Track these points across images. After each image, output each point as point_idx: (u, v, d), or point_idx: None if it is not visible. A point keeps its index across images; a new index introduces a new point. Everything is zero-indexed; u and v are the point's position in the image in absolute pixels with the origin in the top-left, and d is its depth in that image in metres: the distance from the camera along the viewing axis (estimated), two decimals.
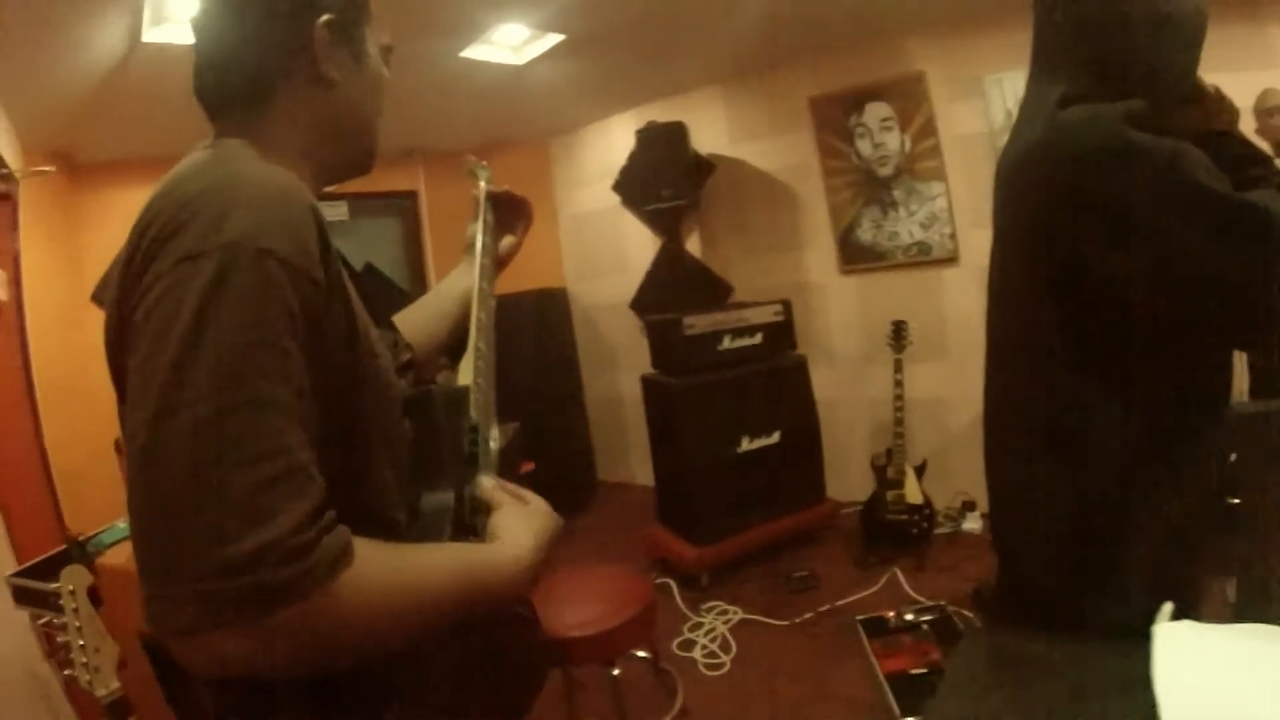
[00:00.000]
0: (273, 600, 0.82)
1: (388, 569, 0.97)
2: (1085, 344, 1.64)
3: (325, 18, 1.19)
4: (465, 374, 1.44)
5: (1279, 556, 1.43)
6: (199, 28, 1.20)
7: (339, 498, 0.93)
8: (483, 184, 1.87)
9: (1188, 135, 1.56)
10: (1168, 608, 1.25)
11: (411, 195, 7.56)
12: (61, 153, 5.35)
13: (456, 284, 1.85)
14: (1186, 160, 1.45)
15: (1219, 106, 1.83)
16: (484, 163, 2.00)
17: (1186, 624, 1.21)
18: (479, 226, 1.77)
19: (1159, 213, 1.46)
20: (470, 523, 1.25)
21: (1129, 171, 1.48)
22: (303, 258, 0.95)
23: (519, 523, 1.24)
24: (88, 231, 5.61)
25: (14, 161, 4.51)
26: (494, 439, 1.44)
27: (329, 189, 1.34)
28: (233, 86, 1.19)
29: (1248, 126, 2.15)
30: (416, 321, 1.78)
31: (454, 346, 1.72)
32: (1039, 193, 1.65)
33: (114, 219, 5.33)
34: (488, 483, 1.32)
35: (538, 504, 1.33)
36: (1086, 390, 1.65)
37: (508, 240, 1.92)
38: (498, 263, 1.85)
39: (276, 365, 0.89)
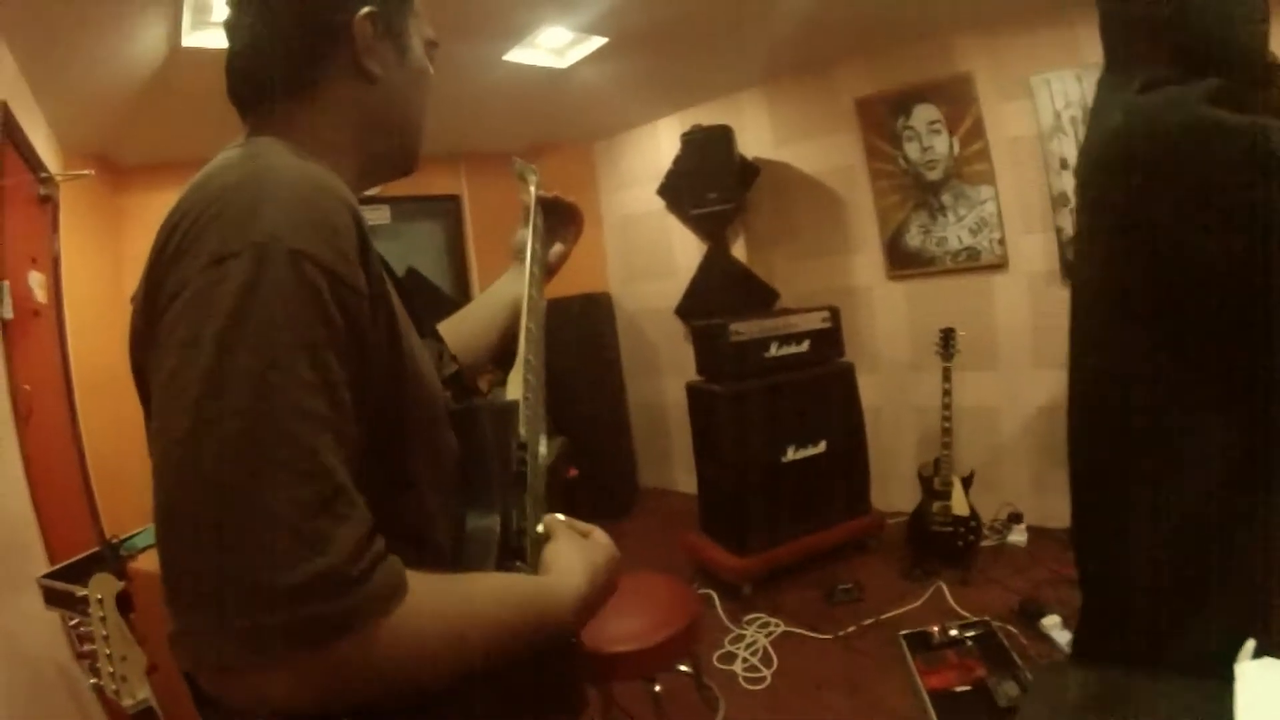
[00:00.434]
0: (325, 635, 0.77)
1: (442, 603, 0.92)
2: (1184, 351, 1.60)
3: (367, 9, 1.14)
4: (514, 387, 1.38)
5: None
6: (232, 24, 1.15)
7: (381, 519, 0.87)
8: (533, 189, 1.80)
9: (1268, 110, 1.55)
10: (1250, 645, 1.19)
11: (454, 199, 7.57)
12: (101, 155, 5.40)
13: (505, 291, 1.79)
14: (1262, 133, 1.43)
15: None
16: (532, 165, 1.95)
17: (1269, 661, 1.15)
18: (529, 233, 1.70)
19: (1251, 189, 1.43)
20: (517, 545, 1.18)
21: (1216, 150, 1.46)
22: (341, 263, 0.90)
23: (574, 555, 1.19)
24: (127, 233, 5.67)
25: (54, 164, 4.55)
26: (542, 454, 1.37)
27: (370, 191, 1.30)
28: (268, 81, 1.14)
29: None
30: (463, 330, 1.72)
31: (502, 356, 1.68)
32: (1125, 181, 1.61)
33: (153, 221, 5.33)
34: (552, 520, 1.27)
35: (597, 535, 1.28)
36: (1186, 405, 1.61)
37: (557, 248, 1.87)
38: (547, 271, 1.80)
39: (316, 376, 0.84)
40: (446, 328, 1.70)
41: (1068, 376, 1.97)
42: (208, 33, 3.79)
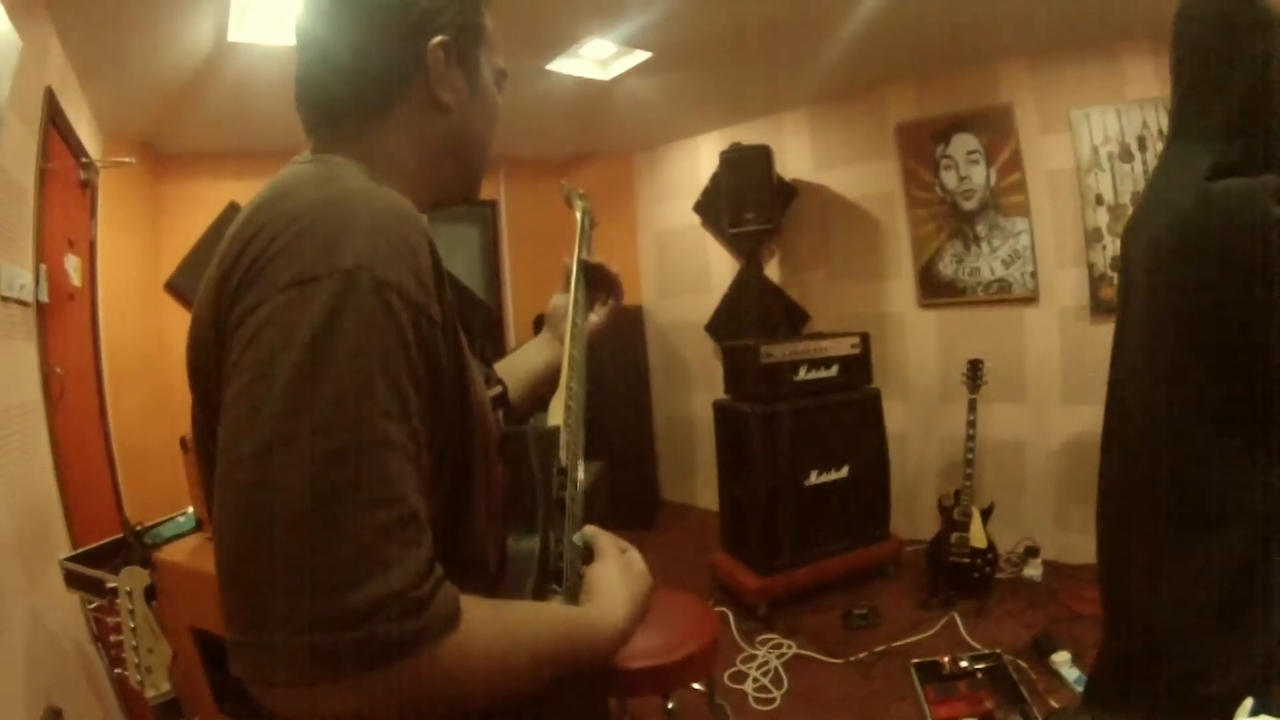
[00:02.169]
0: (386, 656, 0.78)
1: (494, 629, 0.93)
2: (1239, 417, 1.67)
3: (440, 39, 1.16)
4: (556, 413, 1.40)
5: None
6: (305, 38, 1.17)
7: (437, 541, 0.88)
8: (575, 254, 1.79)
9: None
10: (1248, 703, 1.21)
11: (492, 204, 7.61)
12: (144, 143, 5.46)
13: (532, 357, 1.81)
14: None
15: None
16: (581, 190, 1.96)
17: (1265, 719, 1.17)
18: (569, 297, 1.70)
19: None
20: (555, 568, 1.21)
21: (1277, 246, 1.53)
22: (421, 292, 0.92)
23: (619, 586, 1.21)
24: (165, 221, 5.73)
25: (95, 150, 4.61)
26: (580, 479, 1.40)
27: None
28: (340, 101, 1.16)
29: None
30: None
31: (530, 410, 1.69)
32: (1195, 267, 1.70)
33: (193, 210, 5.50)
34: (592, 530, 1.30)
35: (637, 564, 1.31)
36: (1237, 464, 1.67)
37: (591, 319, 1.84)
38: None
39: (396, 406, 0.85)
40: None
41: (1104, 426, 2.01)
42: (254, 28, 3.85)
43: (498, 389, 1.59)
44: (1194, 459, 1.72)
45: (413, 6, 1.14)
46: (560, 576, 1.20)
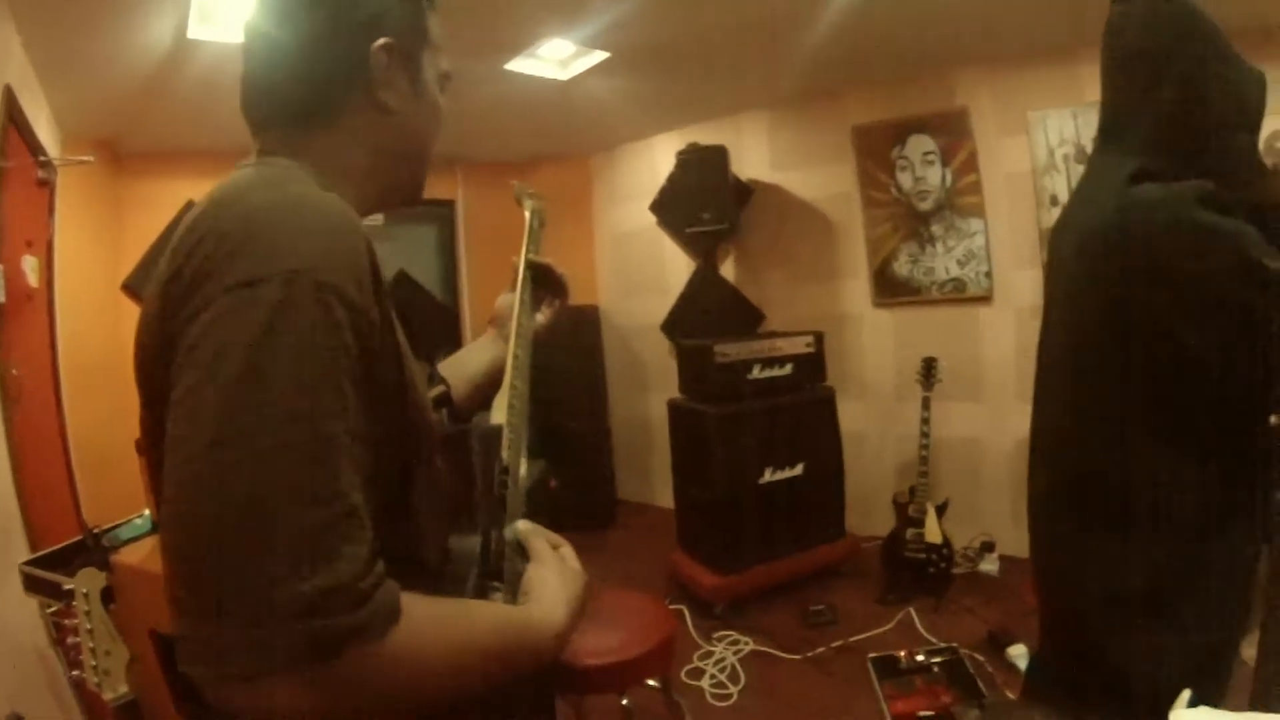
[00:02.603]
0: (328, 648, 0.80)
1: (434, 626, 0.95)
2: (1165, 417, 1.69)
3: (383, 41, 1.16)
4: (499, 411, 1.42)
5: None
6: (251, 40, 1.18)
7: (378, 538, 0.90)
8: (524, 254, 1.80)
9: (1247, 209, 1.65)
10: (1185, 694, 1.23)
11: (449, 204, 7.59)
12: (104, 142, 5.40)
13: (478, 356, 1.82)
14: (1250, 242, 1.56)
15: (1276, 183, 1.89)
16: (532, 190, 1.97)
17: (1204, 710, 1.19)
18: (515, 297, 1.71)
19: (1234, 290, 1.56)
20: (495, 566, 1.22)
21: (1204, 253, 1.58)
22: (360, 296, 0.93)
23: (557, 588, 1.21)
24: (124, 221, 5.68)
25: (54, 149, 4.56)
26: (523, 478, 1.41)
27: None
28: (285, 104, 1.17)
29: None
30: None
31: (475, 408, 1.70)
32: (1116, 270, 1.72)
33: (153, 209, 5.43)
34: (525, 526, 1.31)
35: (573, 565, 1.30)
36: (1165, 463, 1.70)
37: (538, 318, 1.85)
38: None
39: (335, 405, 0.87)
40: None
41: (1032, 427, 2.04)
42: (214, 26, 3.82)
43: (441, 389, 1.61)
44: (1121, 457, 1.74)
45: (356, 10, 1.15)
46: (501, 574, 1.22)
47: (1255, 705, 1.33)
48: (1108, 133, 1.89)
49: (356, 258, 0.95)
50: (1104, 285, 1.75)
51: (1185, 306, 1.60)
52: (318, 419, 0.85)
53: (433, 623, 0.94)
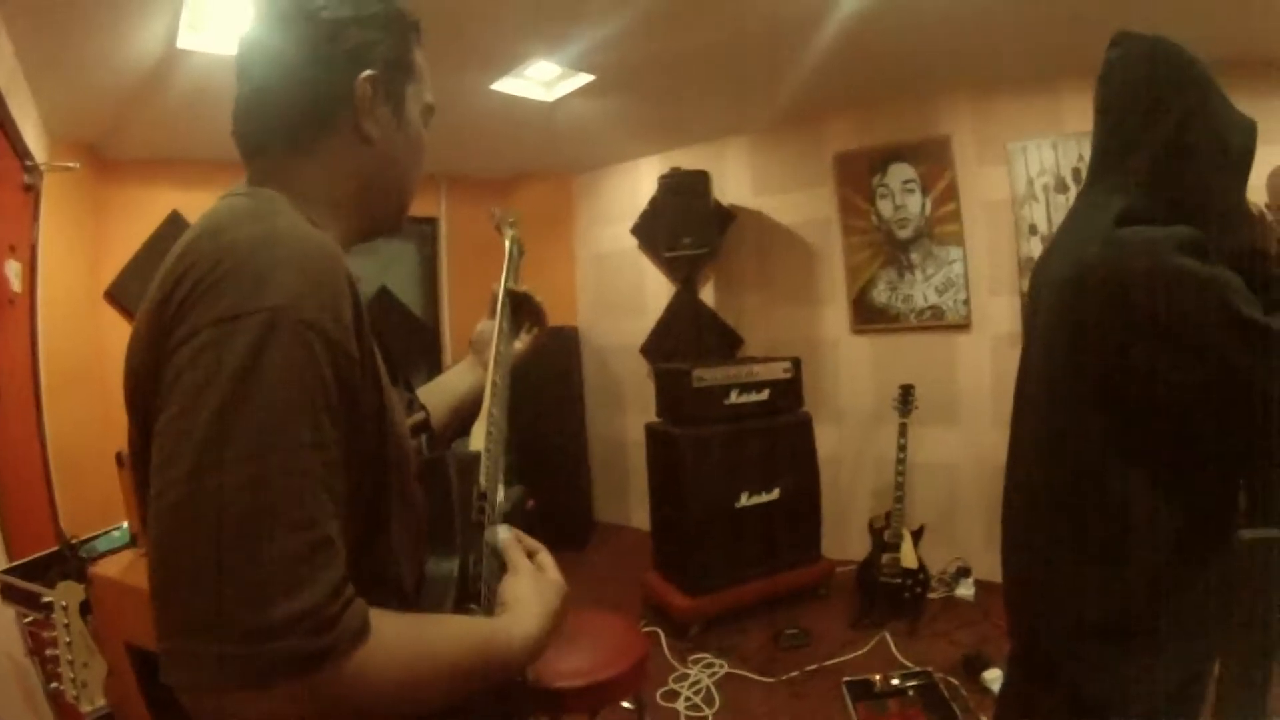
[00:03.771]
0: (299, 668, 0.83)
1: (404, 642, 0.97)
2: (1132, 450, 1.73)
3: (368, 73, 1.19)
4: (477, 438, 1.44)
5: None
6: (243, 68, 1.19)
7: (355, 562, 0.93)
8: (504, 282, 1.83)
9: (1231, 253, 1.70)
10: None
11: (431, 221, 7.57)
12: (90, 148, 5.37)
13: (456, 382, 1.85)
14: (1230, 289, 1.59)
15: (1262, 228, 1.93)
16: (513, 219, 1.99)
17: None
18: (495, 324, 1.74)
19: (1210, 334, 1.59)
20: (474, 589, 1.24)
21: (1183, 299, 1.61)
22: (340, 331, 0.96)
23: (532, 599, 1.24)
24: (110, 228, 5.62)
25: (41, 153, 4.54)
26: (500, 503, 1.43)
27: None
28: (272, 132, 1.19)
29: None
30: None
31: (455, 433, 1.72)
32: (1094, 310, 1.75)
33: (136, 217, 5.41)
34: (505, 534, 1.33)
35: (551, 575, 1.33)
36: (1131, 493, 1.73)
37: (515, 346, 1.88)
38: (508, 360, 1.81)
39: (312, 436, 0.90)
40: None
41: (1008, 456, 2.07)
42: (203, 36, 3.82)
43: (420, 415, 1.63)
44: (1092, 490, 1.76)
45: (343, 41, 1.17)
46: (479, 597, 1.24)
47: None
48: (1096, 172, 1.92)
49: (338, 294, 0.98)
50: (1082, 324, 1.78)
51: (1162, 351, 1.64)
52: (294, 451, 0.88)
53: (401, 638, 0.97)
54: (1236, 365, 1.57)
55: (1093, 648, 1.79)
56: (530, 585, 1.27)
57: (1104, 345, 1.71)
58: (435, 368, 7.28)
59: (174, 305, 0.93)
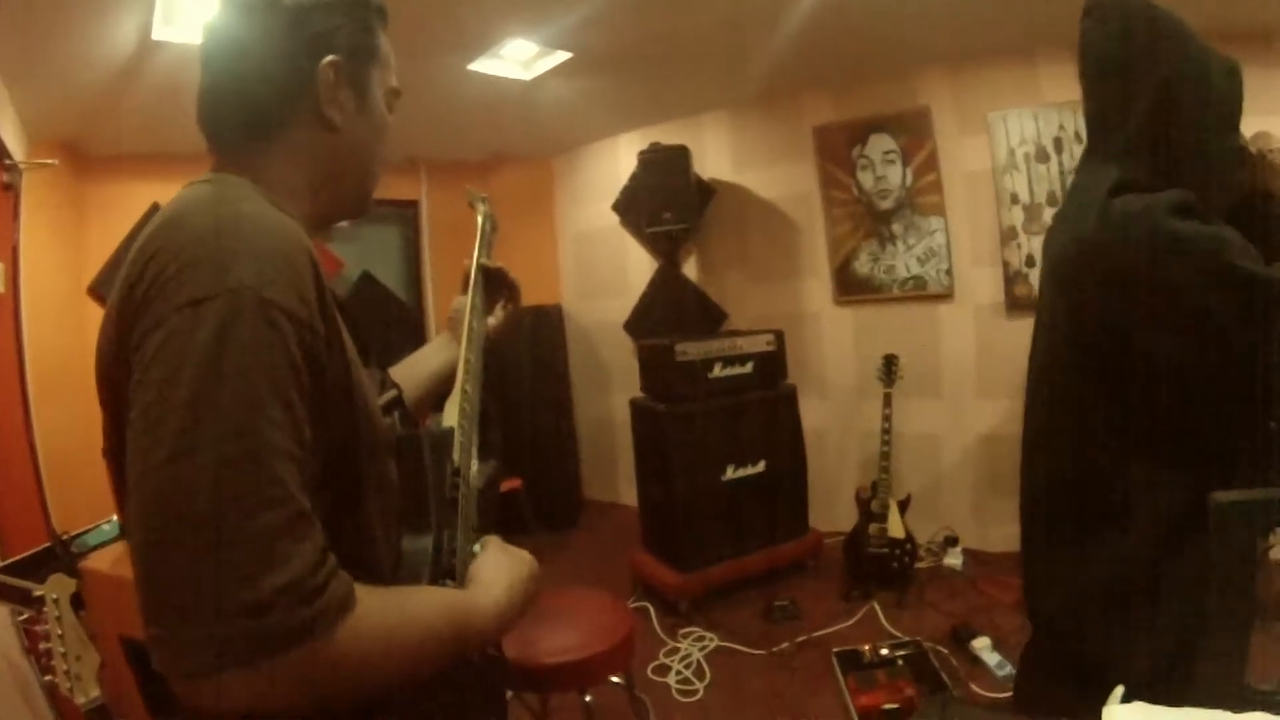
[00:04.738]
0: (287, 642, 0.85)
1: (386, 614, 0.99)
2: (1130, 426, 1.73)
3: (331, 58, 1.19)
4: (450, 415, 1.45)
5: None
6: (207, 56, 1.20)
7: (329, 540, 0.94)
8: (475, 258, 1.83)
9: (1231, 204, 1.73)
10: (1119, 690, 1.26)
11: (413, 204, 7.55)
12: (69, 144, 5.34)
13: (430, 358, 1.85)
14: (1222, 243, 1.58)
15: (1263, 170, 1.91)
16: (484, 195, 1.99)
17: (1138, 706, 1.21)
18: (468, 300, 1.74)
19: (1206, 296, 1.58)
20: (448, 565, 1.25)
21: (1171, 259, 1.60)
22: (304, 309, 0.97)
23: (498, 571, 1.27)
24: (91, 224, 5.61)
25: (19, 152, 4.52)
26: (473, 479, 1.44)
27: None
28: (235, 119, 1.19)
29: None
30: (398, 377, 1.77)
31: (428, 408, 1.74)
32: (1092, 283, 1.75)
33: (118, 212, 5.35)
34: (486, 538, 1.36)
35: (520, 553, 1.36)
36: (1129, 470, 1.74)
37: (490, 321, 1.89)
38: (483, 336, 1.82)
39: (282, 415, 0.91)
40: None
41: (1024, 429, 2.08)
42: (179, 28, 3.79)
43: (392, 393, 1.63)
44: (1096, 460, 1.77)
45: (305, 27, 1.18)
46: (454, 573, 1.25)
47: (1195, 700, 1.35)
48: (1092, 143, 1.92)
49: (300, 274, 0.99)
50: (1082, 295, 1.78)
51: (1161, 316, 1.64)
52: (265, 431, 0.89)
53: (384, 609, 0.99)
54: (1233, 325, 1.57)
55: (1088, 616, 1.81)
56: (497, 559, 1.30)
57: (1104, 321, 1.72)
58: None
59: (139, 296, 0.94)
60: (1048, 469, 1.97)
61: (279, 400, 0.91)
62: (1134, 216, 1.64)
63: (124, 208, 5.38)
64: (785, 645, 4.49)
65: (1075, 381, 1.83)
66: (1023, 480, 2.09)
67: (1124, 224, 1.65)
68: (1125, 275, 1.65)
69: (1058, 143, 5.15)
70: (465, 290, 1.78)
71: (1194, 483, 1.67)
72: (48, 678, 2.22)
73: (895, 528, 5.03)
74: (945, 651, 4.14)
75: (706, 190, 6.74)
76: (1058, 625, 1.95)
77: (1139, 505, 1.71)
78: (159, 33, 3.80)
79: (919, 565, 5.24)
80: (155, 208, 4.98)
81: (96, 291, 5.50)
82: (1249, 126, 1.86)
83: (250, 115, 1.18)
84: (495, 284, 1.88)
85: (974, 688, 3.79)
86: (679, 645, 4.59)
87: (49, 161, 4.49)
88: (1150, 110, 1.74)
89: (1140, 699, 1.26)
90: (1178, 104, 1.73)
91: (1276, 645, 1.46)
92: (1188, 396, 1.68)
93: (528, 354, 7.12)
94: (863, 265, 6.04)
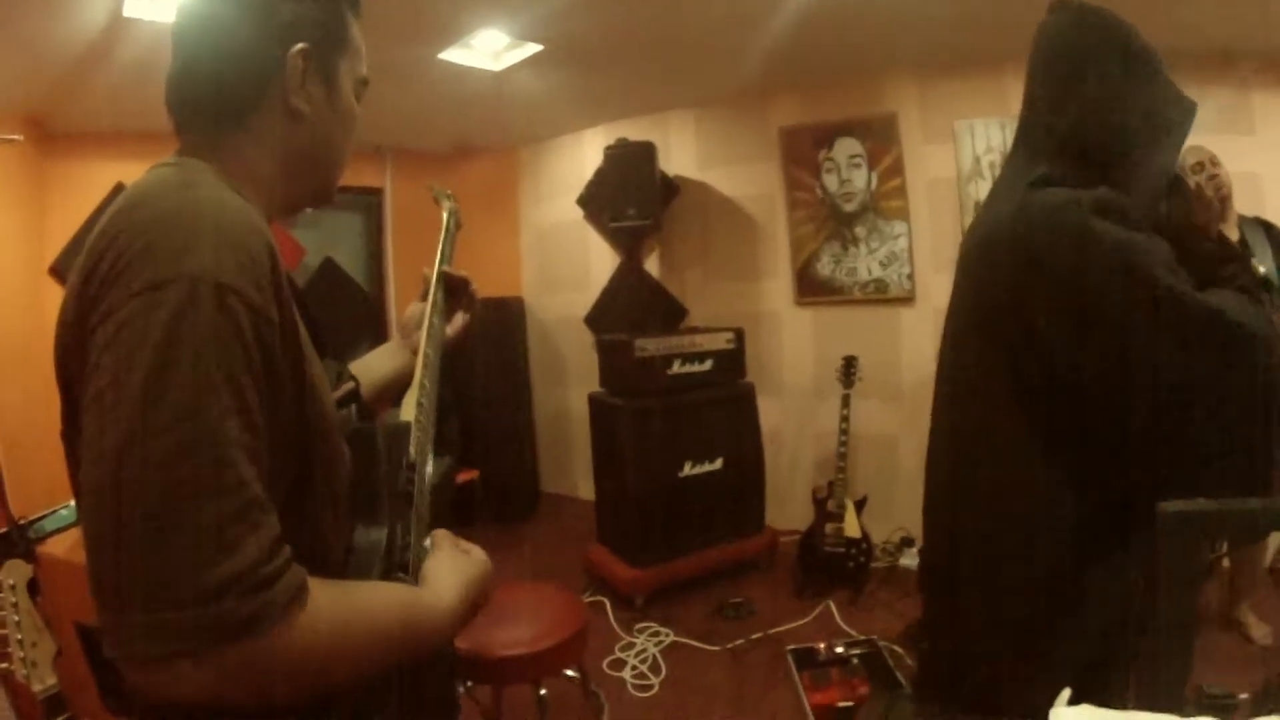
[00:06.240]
0: (238, 630, 0.84)
1: (339, 608, 0.99)
2: (1038, 426, 1.69)
3: (299, 46, 1.18)
4: (408, 409, 1.45)
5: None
6: (178, 38, 1.18)
7: (281, 531, 0.94)
8: (439, 254, 1.82)
9: (1164, 227, 1.66)
10: (1066, 693, 1.27)
11: (377, 192, 7.52)
12: (33, 120, 5.27)
13: (384, 363, 1.82)
14: (1144, 252, 1.52)
15: (1200, 203, 1.89)
16: (449, 192, 1.99)
17: (1084, 708, 1.22)
18: (428, 305, 1.71)
19: (1117, 298, 1.51)
20: (401, 559, 1.26)
21: (1085, 258, 1.54)
22: (260, 296, 0.97)
23: (451, 571, 1.27)
24: (54, 202, 5.52)
25: None
26: (429, 474, 1.44)
27: None
28: (203, 103, 1.18)
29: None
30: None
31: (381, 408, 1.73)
32: (999, 270, 1.70)
33: (82, 190, 5.27)
34: (439, 532, 1.35)
35: (474, 551, 1.36)
36: (1039, 475, 1.69)
37: (449, 327, 1.84)
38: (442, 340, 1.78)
39: (235, 401, 0.91)
40: None
41: (929, 433, 2.05)
42: (149, 4, 3.75)
43: (349, 385, 1.62)
44: (999, 470, 1.74)
45: (276, 15, 1.17)
46: (407, 567, 1.25)
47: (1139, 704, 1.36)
48: (1020, 137, 1.89)
49: (257, 261, 0.99)
50: (986, 287, 1.76)
51: (1067, 318, 1.58)
52: (219, 417, 0.89)
53: (336, 603, 0.98)
54: (1143, 336, 1.50)
55: (997, 629, 1.77)
56: (452, 559, 1.30)
57: (1014, 322, 1.66)
58: (379, 338, 7.21)
59: (96, 281, 0.93)
60: (952, 476, 1.94)
61: (232, 387, 0.91)
62: (1050, 209, 1.60)
63: (88, 185, 5.34)
64: (741, 642, 4.51)
65: (979, 384, 1.79)
66: (927, 485, 2.06)
67: (1038, 216, 1.61)
68: (1033, 265, 1.60)
69: None
70: (424, 298, 1.76)
71: (1098, 492, 1.65)
72: (3, 665, 2.21)
73: (851, 527, 5.07)
74: (900, 650, 4.16)
75: (671, 187, 6.76)
76: (961, 638, 1.90)
77: (1046, 518, 1.68)
78: (131, 9, 3.75)
79: (874, 565, 5.28)
80: (120, 187, 4.94)
81: (58, 271, 5.43)
82: (1209, 145, 1.87)
83: (218, 100, 1.17)
84: (456, 292, 1.85)
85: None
86: (634, 640, 4.60)
87: (14, 138, 4.45)
88: (1082, 112, 1.71)
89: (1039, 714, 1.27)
90: (1114, 110, 1.70)
91: (1218, 651, 1.48)
92: (1090, 407, 1.62)
93: (487, 347, 7.10)
94: (824, 267, 6.07)
